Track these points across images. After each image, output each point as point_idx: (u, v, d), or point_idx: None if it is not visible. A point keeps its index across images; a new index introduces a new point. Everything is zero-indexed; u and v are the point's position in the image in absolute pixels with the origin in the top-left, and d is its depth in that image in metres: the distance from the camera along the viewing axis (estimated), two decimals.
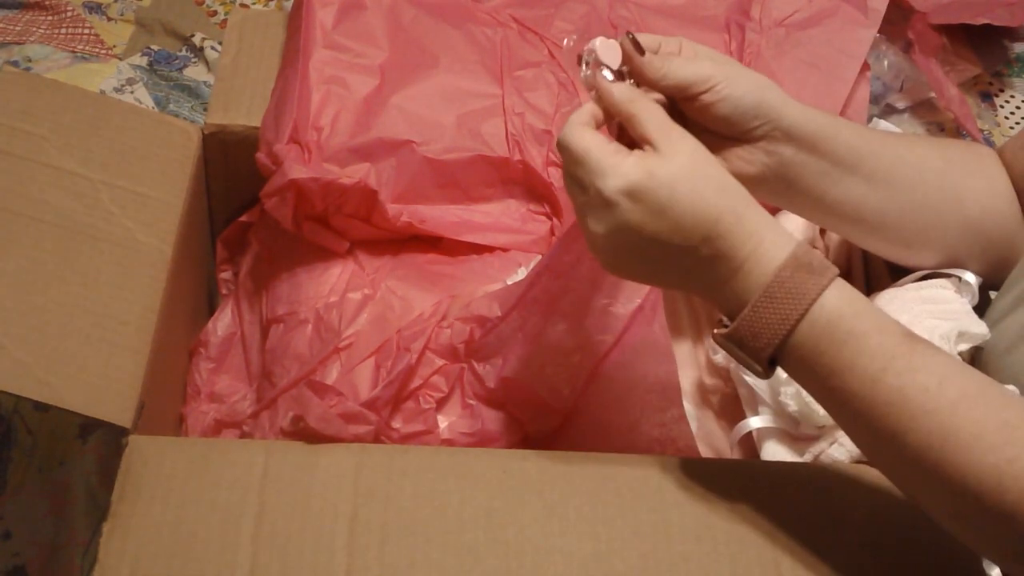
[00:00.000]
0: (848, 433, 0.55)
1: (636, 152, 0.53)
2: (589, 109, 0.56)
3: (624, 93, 0.55)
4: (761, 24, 0.91)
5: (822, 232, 0.85)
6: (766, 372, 0.54)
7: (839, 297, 0.52)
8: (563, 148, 0.54)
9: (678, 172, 0.52)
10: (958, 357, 0.65)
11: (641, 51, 0.57)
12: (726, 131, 0.60)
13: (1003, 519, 0.48)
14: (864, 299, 0.53)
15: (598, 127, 0.56)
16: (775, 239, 0.53)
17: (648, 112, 0.54)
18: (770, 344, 0.52)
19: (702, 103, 0.58)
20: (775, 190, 0.64)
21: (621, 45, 0.57)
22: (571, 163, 0.54)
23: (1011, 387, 0.59)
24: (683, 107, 0.60)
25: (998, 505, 0.47)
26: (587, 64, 0.58)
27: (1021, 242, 0.70)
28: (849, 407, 0.52)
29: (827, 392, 0.53)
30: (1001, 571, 0.56)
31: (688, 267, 0.54)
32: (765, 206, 0.56)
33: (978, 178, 0.70)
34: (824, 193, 0.65)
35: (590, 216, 0.54)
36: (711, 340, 0.78)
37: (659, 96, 0.58)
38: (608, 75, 0.57)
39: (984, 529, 0.50)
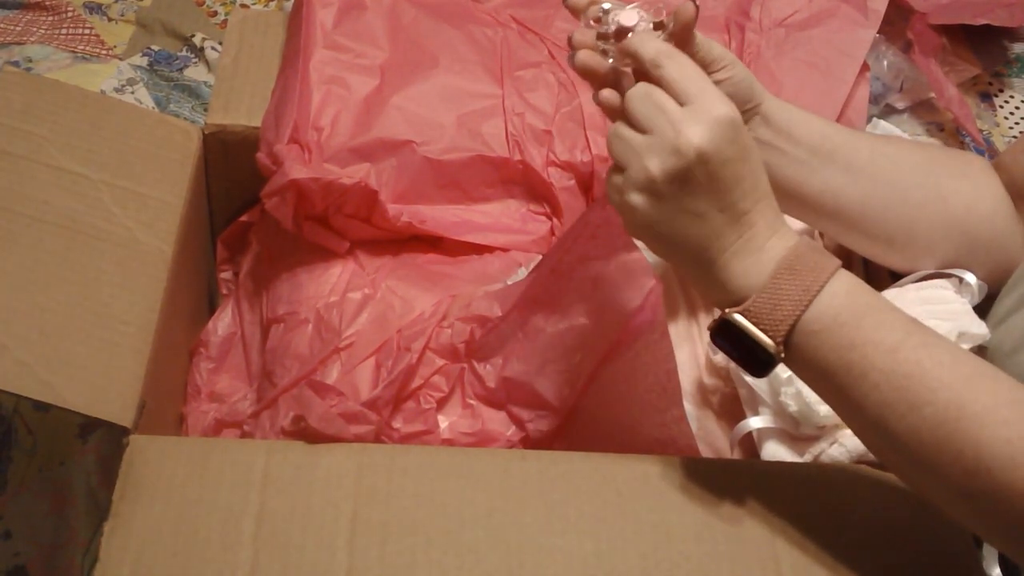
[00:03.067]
0: (860, 411, 0.53)
1: None
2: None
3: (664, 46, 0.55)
4: (761, 24, 0.91)
5: (822, 234, 0.85)
6: (775, 354, 0.52)
7: (851, 276, 0.53)
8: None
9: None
10: None
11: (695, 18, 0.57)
12: None
13: (1014, 496, 0.48)
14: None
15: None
16: (787, 228, 0.54)
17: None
18: (791, 315, 0.51)
19: (714, 80, 0.59)
20: None
21: (680, 12, 0.57)
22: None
23: None
24: None
25: (1011, 482, 0.48)
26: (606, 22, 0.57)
27: (1015, 246, 0.70)
28: (867, 380, 0.51)
29: (844, 365, 0.52)
30: (1007, 556, 0.56)
31: (720, 231, 0.53)
32: None
33: (962, 179, 0.70)
34: (803, 183, 0.66)
35: (662, 150, 0.51)
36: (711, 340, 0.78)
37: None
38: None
39: (994, 508, 0.49)
